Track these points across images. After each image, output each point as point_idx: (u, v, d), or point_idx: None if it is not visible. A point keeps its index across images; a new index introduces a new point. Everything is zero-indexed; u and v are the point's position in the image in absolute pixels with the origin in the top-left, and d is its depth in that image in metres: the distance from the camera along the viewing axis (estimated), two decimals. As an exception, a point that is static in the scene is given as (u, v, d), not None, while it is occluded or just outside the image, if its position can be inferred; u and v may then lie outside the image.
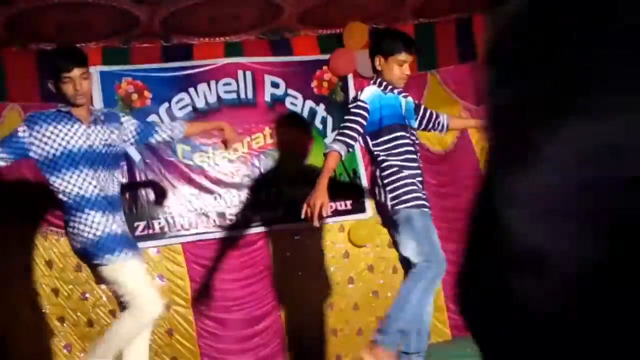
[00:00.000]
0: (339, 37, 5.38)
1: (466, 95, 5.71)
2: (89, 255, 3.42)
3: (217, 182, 5.09)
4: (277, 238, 5.20)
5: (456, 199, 5.38)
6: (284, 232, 5.18)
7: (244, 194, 5.14)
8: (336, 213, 5.31)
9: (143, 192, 4.87)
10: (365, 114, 3.56)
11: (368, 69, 5.42)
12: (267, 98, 5.24)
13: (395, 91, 3.69)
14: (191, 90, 5.05)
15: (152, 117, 4.85)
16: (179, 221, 4.95)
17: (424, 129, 4.09)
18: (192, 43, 5.08)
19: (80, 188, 3.35)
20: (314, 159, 5.30)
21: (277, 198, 5.18)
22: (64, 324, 4.68)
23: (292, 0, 4.72)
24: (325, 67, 5.38)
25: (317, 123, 5.37)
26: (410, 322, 3.43)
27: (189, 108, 5.04)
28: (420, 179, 3.63)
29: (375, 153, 3.62)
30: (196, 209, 5.01)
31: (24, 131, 3.33)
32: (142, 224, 4.82)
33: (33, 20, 4.31)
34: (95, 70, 4.62)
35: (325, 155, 3.53)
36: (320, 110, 5.37)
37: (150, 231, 4.85)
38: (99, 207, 3.38)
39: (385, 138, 3.60)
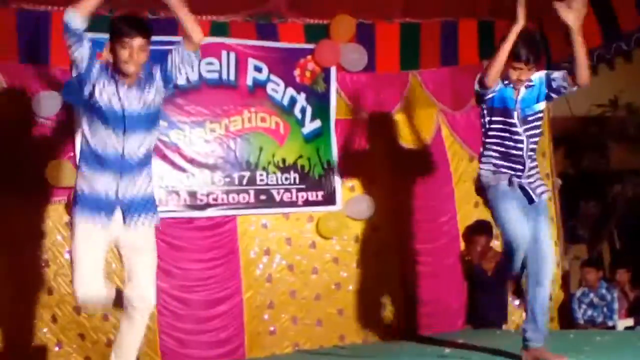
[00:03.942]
0: (326, 28, 5.38)
1: (444, 98, 5.76)
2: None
3: (191, 161, 5.06)
4: (245, 223, 5.21)
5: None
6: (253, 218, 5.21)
7: (216, 176, 5.12)
8: (307, 203, 5.33)
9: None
10: None
11: (352, 62, 5.47)
12: (249, 82, 5.22)
13: None
14: (174, 66, 4.99)
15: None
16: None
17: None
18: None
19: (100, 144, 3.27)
20: (288, 147, 5.30)
21: (249, 183, 5.18)
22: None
23: (283, -14, 4.73)
24: (309, 57, 5.36)
25: (296, 112, 5.35)
26: None
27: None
28: None
29: None
30: (167, 186, 4.98)
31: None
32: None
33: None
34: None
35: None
36: (301, 99, 5.35)
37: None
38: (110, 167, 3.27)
39: None
